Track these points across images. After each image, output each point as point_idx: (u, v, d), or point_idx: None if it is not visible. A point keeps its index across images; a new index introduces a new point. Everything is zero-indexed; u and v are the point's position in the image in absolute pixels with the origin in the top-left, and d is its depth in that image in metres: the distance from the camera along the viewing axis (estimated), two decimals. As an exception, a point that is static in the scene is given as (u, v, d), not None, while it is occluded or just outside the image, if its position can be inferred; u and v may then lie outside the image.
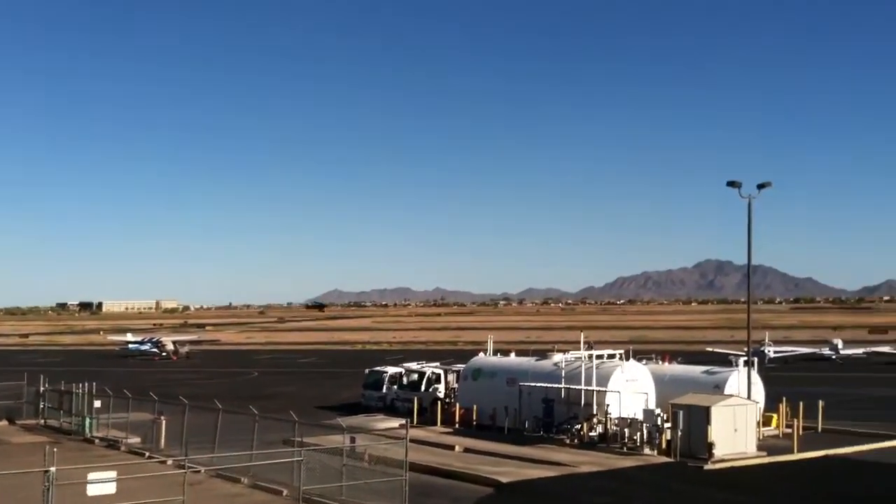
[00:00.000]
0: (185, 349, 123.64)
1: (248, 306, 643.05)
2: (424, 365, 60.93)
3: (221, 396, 51.02)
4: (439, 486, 34.05)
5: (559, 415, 45.82)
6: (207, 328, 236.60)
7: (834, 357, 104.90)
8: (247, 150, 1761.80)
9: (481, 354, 57.46)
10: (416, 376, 57.27)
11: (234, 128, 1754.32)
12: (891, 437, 44.53)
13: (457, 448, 42.55)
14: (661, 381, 47.48)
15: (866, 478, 36.81)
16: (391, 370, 60.86)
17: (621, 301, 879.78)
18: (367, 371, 63.70)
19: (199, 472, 33.77)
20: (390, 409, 55.36)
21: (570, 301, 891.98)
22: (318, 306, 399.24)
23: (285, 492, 31.19)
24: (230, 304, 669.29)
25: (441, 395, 55.29)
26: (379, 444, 35.72)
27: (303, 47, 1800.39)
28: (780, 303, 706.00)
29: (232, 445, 35.79)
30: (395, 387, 57.85)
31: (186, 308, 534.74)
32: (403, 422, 41.73)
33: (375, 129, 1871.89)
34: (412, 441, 35.30)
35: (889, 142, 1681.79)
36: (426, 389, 55.47)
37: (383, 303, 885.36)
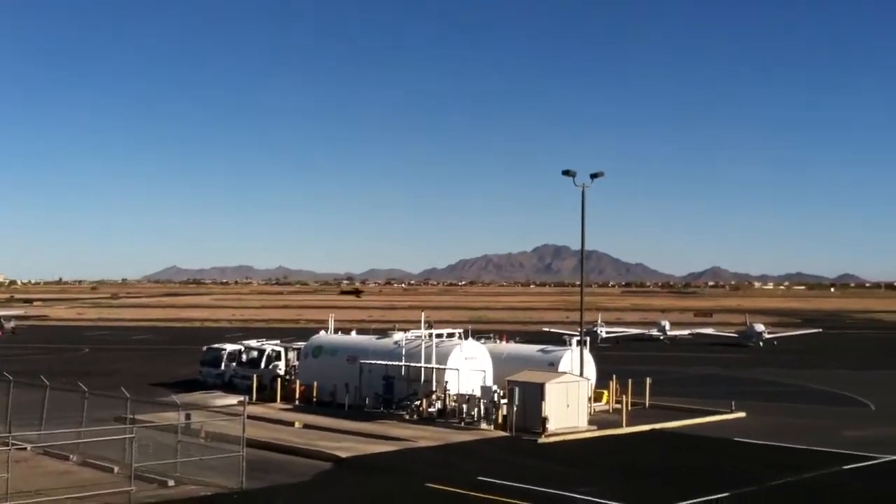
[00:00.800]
0: (11, 325, 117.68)
1: (80, 282, 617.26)
2: (264, 342, 60.19)
3: (49, 373, 48.87)
4: (278, 462, 33.83)
5: (399, 391, 46.27)
6: (35, 303, 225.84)
7: (661, 338, 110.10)
8: (78, 123, 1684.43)
9: (322, 332, 57.27)
10: (255, 353, 56.53)
11: (62, 100, 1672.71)
12: (711, 413, 47.18)
13: (296, 424, 42.33)
14: (498, 359, 48.62)
15: (687, 449, 38.87)
16: (230, 347, 59.86)
17: (463, 282, 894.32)
18: (205, 348, 62.45)
19: (24, 449, 32.37)
20: (229, 387, 54.47)
21: (412, 282, 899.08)
22: (355, 292, 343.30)
23: (116, 469, 30.30)
24: (60, 279, 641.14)
25: (281, 372, 54.83)
26: (216, 420, 35.17)
27: None
28: (613, 286, 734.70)
29: (60, 423, 34.41)
30: (234, 364, 56.93)
31: (13, 283, 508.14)
32: (242, 399, 41.15)
33: (213, 104, 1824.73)
34: (251, 418, 35.00)
35: (712, 136, 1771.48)
36: (266, 367, 54.87)
37: (224, 280, 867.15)
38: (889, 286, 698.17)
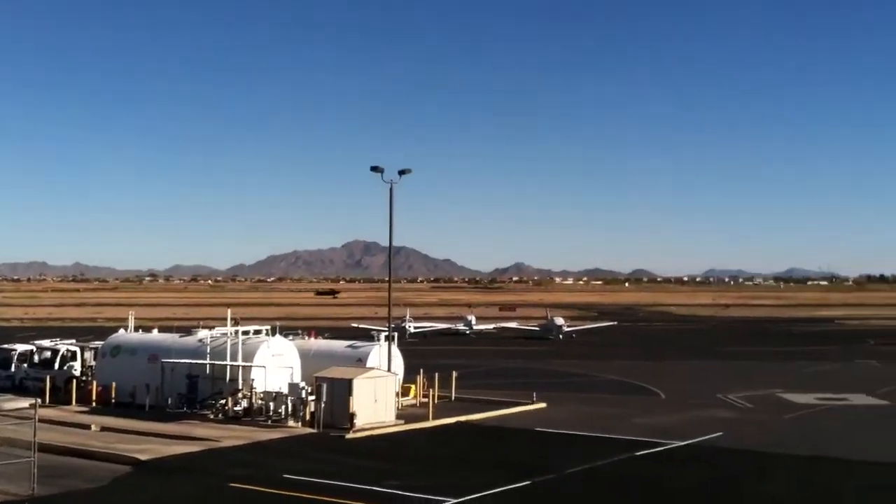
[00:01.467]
0: None
1: None
2: (59, 342, 57.19)
3: None
4: (74, 467, 32.24)
5: (203, 390, 45.12)
6: None
7: (468, 332, 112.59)
8: None
9: (122, 331, 55.00)
10: (48, 354, 53.65)
11: None
12: (514, 404, 48.67)
13: (93, 427, 40.46)
14: (306, 356, 48.28)
15: (491, 440, 39.92)
16: (21, 347, 56.46)
17: (272, 279, 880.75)
18: (-8, 349, 58.65)
19: None
20: (20, 389, 51.37)
21: (219, 278, 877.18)
22: (331, 292, 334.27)
23: None
24: None
25: (77, 373, 52.31)
26: (5, 424, 33.23)
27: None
28: (422, 282, 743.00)
29: None
30: (26, 365, 53.81)
31: None
32: (34, 401, 38.92)
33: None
34: (44, 421, 33.30)
35: (514, 134, 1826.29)
36: (60, 367, 52.19)
37: (15, 277, 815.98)
38: (678, 280, 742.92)
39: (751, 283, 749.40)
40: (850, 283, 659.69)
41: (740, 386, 58.34)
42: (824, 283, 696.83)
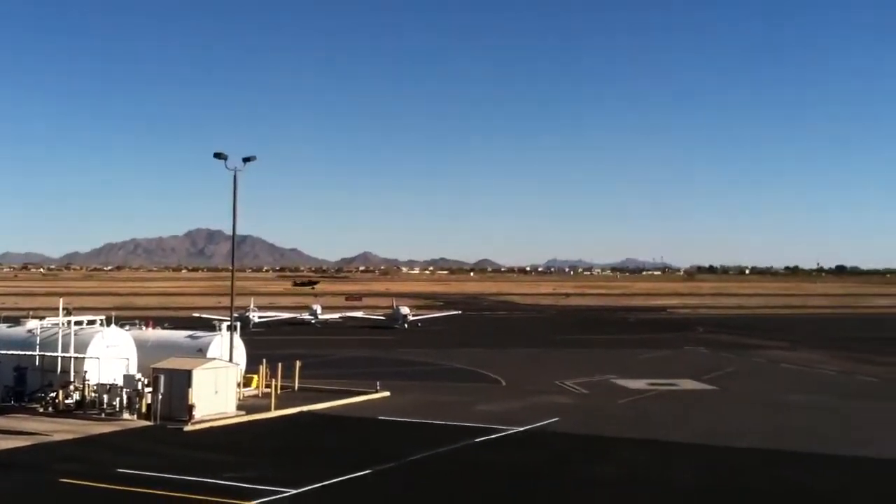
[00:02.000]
0: None
1: None
2: None
3: None
4: None
5: (33, 383, 43.27)
6: None
7: (313, 321, 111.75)
8: None
9: (-57, 322, 51.83)
10: None
11: None
12: (358, 393, 48.72)
13: None
14: (144, 347, 46.92)
15: (334, 430, 39.86)
16: None
17: (109, 267, 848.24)
18: None
19: None
20: None
21: (52, 266, 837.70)
22: (310, 283, 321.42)
23: None
24: None
25: None
26: None
27: None
28: (268, 271, 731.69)
29: None
30: None
31: None
32: None
33: None
34: None
35: (364, 124, 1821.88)
36: None
37: None
38: (521, 270, 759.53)
39: (589, 272, 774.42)
40: (682, 273, 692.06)
41: (577, 373, 60.26)
42: (658, 273, 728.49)
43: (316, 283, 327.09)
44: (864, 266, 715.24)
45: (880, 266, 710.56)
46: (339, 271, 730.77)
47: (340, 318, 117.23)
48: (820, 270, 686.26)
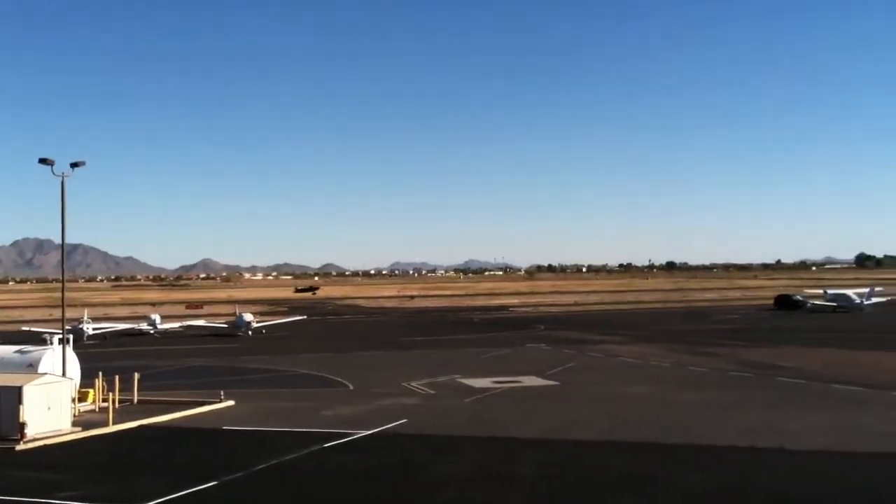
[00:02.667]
0: None
1: None
2: None
3: None
4: None
5: None
6: None
7: (152, 332, 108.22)
8: None
9: None
10: None
11: None
12: (201, 404, 47.54)
13: None
14: (-32, 364, 44.31)
15: (177, 443, 38.76)
16: None
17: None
18: None
19: None
20: None
21: None
22: (311, 289, 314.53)
23: None
24: None
25: None
26: None
27: None
28: (102, 281, 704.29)
29: None
30: None
31: None
32: None
33: None
34: None
35: (197, 129, 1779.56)
36: None
37: None
38: (366, 274, 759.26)
39: (433, 274, 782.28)
40: (522, 272, 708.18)
41: (423, 373, 60.83)
42: (499, 273, 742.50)
43: (317, 288, 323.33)
44: (692, 262, 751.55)
45: (706, 262, 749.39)
46: (179, 279, 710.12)
47: (181, 327, 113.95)
48: (651, 267, 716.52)
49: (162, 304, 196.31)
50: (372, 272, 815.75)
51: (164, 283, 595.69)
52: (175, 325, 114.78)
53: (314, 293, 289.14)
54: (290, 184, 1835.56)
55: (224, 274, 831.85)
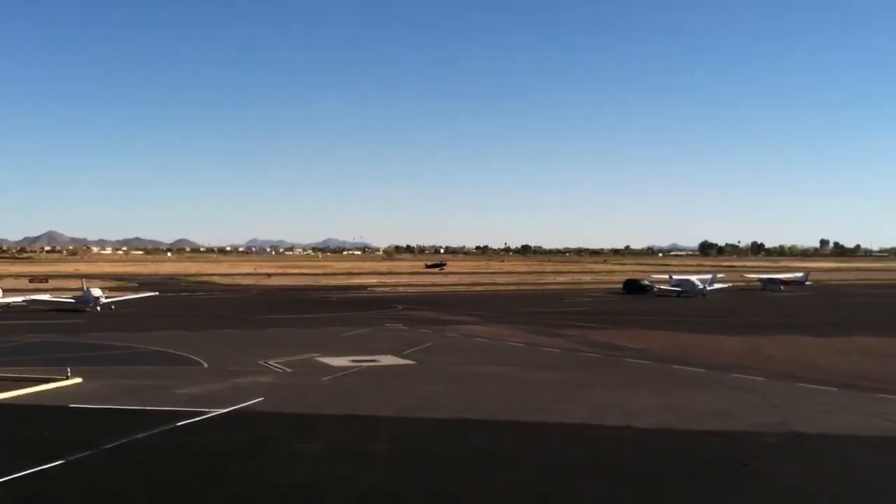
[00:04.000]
0: None
1: None
2: None
3: None
4: None
5: None
6: None
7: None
8: None
9: None
10: None
11: None
12: (45, 381, 45.68)
13: None
14: None
15: (19, 421, 37.14)
16: None
17: None
18: None
19: None
20: None
21: None
22: (439, 265, 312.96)
23: None
24: None
25: None
26: None
27: None
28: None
29: None
30: None
31: None
32: None
33: None
34: None
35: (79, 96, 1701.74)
36: None
37: None
38: (221, 250, 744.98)
39: (291, 252, 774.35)
40: (381, 252, 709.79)
41: (281, 352, 60.30)
42: (358, 252, 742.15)
43: (444, 265, 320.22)
44: (546, 246, 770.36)
45: (560, 246, 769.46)
46: (22, 251, 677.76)
47: (24, 301, 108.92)
48: (507, 250, 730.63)
49: (4, 276, 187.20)
50: (228, 249, 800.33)
51: (5, 255, 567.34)
52: (18, 299, 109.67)
53: (442, 269, 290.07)
54: (142, 155, 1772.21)
55: (70, 247, 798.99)
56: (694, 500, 25.70)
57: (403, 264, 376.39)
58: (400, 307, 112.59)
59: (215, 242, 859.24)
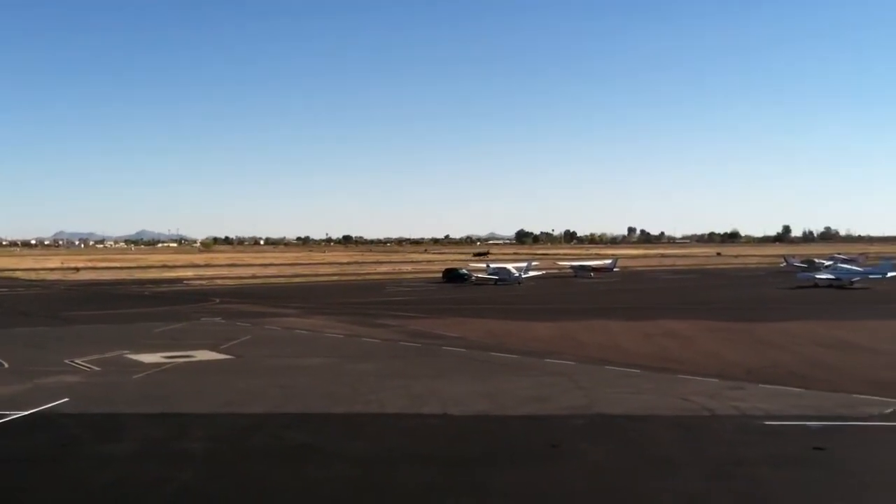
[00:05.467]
0: None
1: None
2: None
3: None
4: None
5: None
6: None
7: None
8: None
9: None
10: None
11: None
12: None
13: None
14: None
15: None
16: None
17: None
18: None
19: None
20: None
21: None
22: (483, 254, 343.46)
23: None
24: None
25: None
26: None
27: None
28: None
29: None
30: None
31: None
32: None
33: None
34: None
35: None
36: None
37: None
38: (26, 244, 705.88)
39: (102, 245, 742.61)
40: (198, 244, 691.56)
41: (89, 350, 57.77)
42: (174, 244, 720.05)
43: (487, 253, 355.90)
44: (368, 236, 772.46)
45: (381, 236, 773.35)
46: None
47: None
48: (328, 240, 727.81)
49: None
50: (33, 242, 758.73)
51: None
52: None
53: (486, 256, 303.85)
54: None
55: None
56: (505, 483, 26.46)
57: (221, 256, 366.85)
58: (217, 300, 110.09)
59: (18, 235, 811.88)
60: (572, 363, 51.83)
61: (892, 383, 43.73)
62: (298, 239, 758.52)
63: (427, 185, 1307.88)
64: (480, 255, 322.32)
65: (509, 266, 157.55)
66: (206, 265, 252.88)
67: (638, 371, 48.61)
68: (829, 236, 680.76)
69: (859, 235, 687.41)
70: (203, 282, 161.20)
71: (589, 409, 37.22)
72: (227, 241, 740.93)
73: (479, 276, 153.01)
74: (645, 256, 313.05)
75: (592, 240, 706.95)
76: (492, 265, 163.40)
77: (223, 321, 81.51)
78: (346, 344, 63.51)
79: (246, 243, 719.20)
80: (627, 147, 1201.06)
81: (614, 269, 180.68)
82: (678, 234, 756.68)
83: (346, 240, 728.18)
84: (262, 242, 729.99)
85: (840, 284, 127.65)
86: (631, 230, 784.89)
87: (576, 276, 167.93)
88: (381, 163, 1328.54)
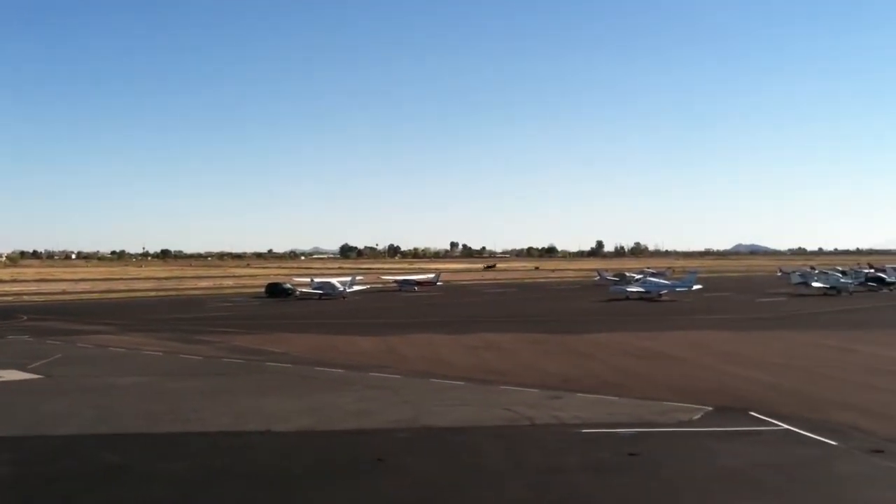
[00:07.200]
0: None
1: None
2: None
3: None
4: None
5: None
6: None
7: None
8: None
9: None
10: None
11: None
12: None
13: None
14: None
15: None
16: None
17: None
18: None
19: None
20: None
21: None
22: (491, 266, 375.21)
23: None
24: None
25: None
26: None
27: None
28: None
29: None
30: None
31: None
32: None
33: None
34: None
35: None
36: None
37: None
38: None
39: None
40: (4, 259, 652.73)
41: None
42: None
43: (493, 265, 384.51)
44: (188, 250, 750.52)
45: (202, 250, 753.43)
46: None
47: None
48: (146, 255, 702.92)
49: None
50: None
51: None
52: None
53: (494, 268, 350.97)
54: None
55: None
56: (329, 497, 26.39)
57: (29, 271, 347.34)
58: (25, 317, 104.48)
59: None
60: (397, 377, 52.20)
61: (695, 390, 46.50)
62: (113, 253, 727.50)
63: (249, 199, 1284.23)
64: (490, 268, 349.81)
65: (333, 280, 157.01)
66: (13, 280, 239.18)
67: (462, 383, 49.47)
68: (638, 251, 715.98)
69: (666, 250, 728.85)
70: (9, 298, 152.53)
71: (414, 422, 37.58)
72: (35, 255, 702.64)
73: (303, 290, 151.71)
74: (467, 271, 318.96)
75: (416, 254, 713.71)
76: (316, 279, 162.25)
77: (32, 339, 77.44)
78: (165, 361, 61.57)
79: (56, 257, 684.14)
80: (450, 165, 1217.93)
81: (437, 283, 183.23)
82: (499, 249, 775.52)
83: (165, 254, 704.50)
84: (73, 256, 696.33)
85: (650, 297, 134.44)
86: (453, 244, 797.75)
87: (400, 290, 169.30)
88: (200, 174, 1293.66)
